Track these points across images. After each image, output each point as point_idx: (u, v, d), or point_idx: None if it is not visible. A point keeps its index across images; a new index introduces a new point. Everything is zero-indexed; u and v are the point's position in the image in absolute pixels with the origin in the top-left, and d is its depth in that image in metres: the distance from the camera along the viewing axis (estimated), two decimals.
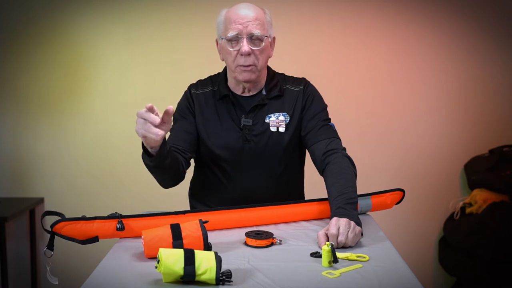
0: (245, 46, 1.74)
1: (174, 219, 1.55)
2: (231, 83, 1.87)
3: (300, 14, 3.19)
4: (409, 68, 3.25)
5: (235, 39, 1.75)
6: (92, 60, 3.17)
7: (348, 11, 3.19)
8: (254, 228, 1.63)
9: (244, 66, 1.76)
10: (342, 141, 1.85)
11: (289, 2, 3.16)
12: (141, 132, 1.48)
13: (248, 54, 1.74)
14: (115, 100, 3.19)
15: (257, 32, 1.74)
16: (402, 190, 1.86)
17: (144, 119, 1.47)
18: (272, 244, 1.51)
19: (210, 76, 1.94)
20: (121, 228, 1.51)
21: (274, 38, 1.86)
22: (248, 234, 1.52)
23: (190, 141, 1.83)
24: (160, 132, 1.48)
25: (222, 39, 1.79)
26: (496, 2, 3.22)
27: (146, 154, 1.61)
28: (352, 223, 1.50)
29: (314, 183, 2.05)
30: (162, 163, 1.63)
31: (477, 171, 3.13)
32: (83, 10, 3.15)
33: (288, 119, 1.84)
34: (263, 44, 1.76)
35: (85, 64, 3.17)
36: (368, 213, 1.83)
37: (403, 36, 3.22)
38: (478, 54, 3.24)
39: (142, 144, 1.58)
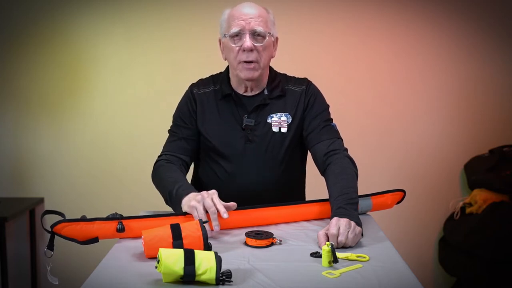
0: (247, 41, 1.74)
1: (174, 220, 1.55)
2: (233, 83, 1.87)
3: (300, 14, 3.19)
4: (409, 68, 3.25)
5: (238, 35, 1.76)
6: (92, 60, 3.17)
7: (348, 11, 3.19)
8: (254, 228, 1.63)
9: (246, 62, 1.77)
10: (343, 141, 1.85)
11: (289, 2, 3.16)
12: (197, 218, 1.53)
13: (251, 50, 1.75)
14: (115, 100, 3.19)
15: (259, 28, 1.75)
16: (403, 191, 1.86)
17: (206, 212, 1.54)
18: (272, 244, 1.51)
19: (212, 75, 1.94)
20: (121, 229, 1.51)
21: (277, 38, 1.86)
22: (248, 234, 1.52)
23: (190, 148, 1.86)
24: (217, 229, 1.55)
25: (225, 36, 1.80)
26: (496, 2, 3.22)
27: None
28: (353, 223, 1.50)
29: (315, 183, 2.05)
30: None
31: (477, 171, 3.13)
32: (83, 10, 3.15)
33: (290, 119, 1.85)
34: (266, 40, 1.77)
35: (85, 64, 3.17)
36: (368, 213, 1.83)
37: (403, 36, 3.22)
38: (478, 54, 3.24)
39: (178, 204, 1.63)
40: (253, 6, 1.79)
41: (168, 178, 1.73)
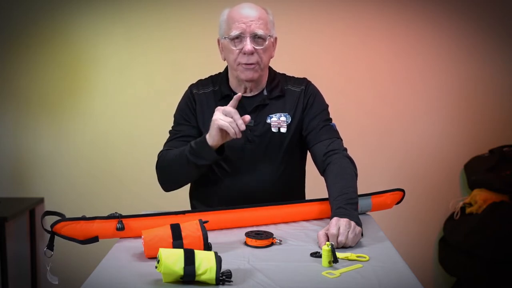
0: (248, 45, 1.74)
1: (174, 219, 1.55)
2: (232, 83, 1.87)
3: (300, 14, 3.19)
4: (409, 68, 3.25)
5: (238, 38, 1.76)
6: (92, 60, 3.17)
7: (348, 11, 3.19)
8: (254, 228, 1.63)
9: (246, 64, 1.76)
10: (343, 141, 1.85)
11: (289, 2, 3.16)
12: (226, 125, 1.59)
13: (251, 53, 1.75)
14: (115, 100, 3.19)
15: (260, 31, 1.75)
16: (402, 190, 1.87)
17: (232, 117, 1.59)
18: (272, 244, 1.51)
19: (211, 76, 1.94)
20: (121, 228, 1.51)
21: (276, 38, 1.86)
22: (248, 234, 1.52)
23: None
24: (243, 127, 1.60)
25: (224, 38, 1.79)
26: (496, 2, 3.22)
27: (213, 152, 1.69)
28: (353, 223, 1.50)
29: (315, 183, 2.05)
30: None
31: (477, 171, 3.13)
32: (83, 10, 3.15)
33: (290, 119, 1.85)
34: (266, 43, 1.77)
35: (85, 64, 3.17)
36: (368, 213, 1.83)
37: (403, 36, 3.22)
38: (478, 54, 3.24)
39: (203, 145, 1.66)
40: (253, 7, 1.78)
41: (177, 150, 1.75)
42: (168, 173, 1.78)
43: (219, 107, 1.63)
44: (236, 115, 1.59)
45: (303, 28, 3.19)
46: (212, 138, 1.64)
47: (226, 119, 1.59)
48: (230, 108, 1.61)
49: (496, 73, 3.25)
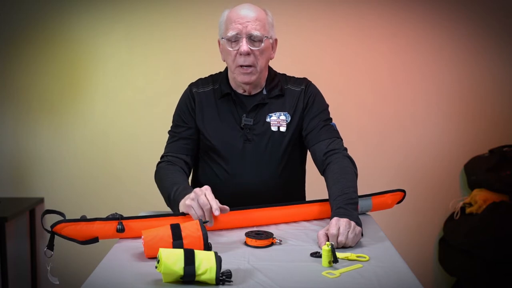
0: (244, 46, 1.74)
1: (174, 220, 1.55)
2: (232, 82, 1.87)
3: (300, 14, 3.19)
4: (409, 68, 3.25)
5: (235, 39, 1.76)
6: (92, 60, 3.17)
7: (348, 11, 3.19)
8: (254, 228, 1.63)
9: (243, 67, 1.76)
10: (343, 141, 1.85)
11: (289, 2, 3.16)
12: (194, 216, 1.54)
13: (248, 54, 1.75)
14: (115, 100, 3.20)
15: (256, 32, 1.74)
16: (403, 191, 1.86)
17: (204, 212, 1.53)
18: (272, 244, 1.51)
19: (211, 75, 1.94)
20: (121, 230, 1.51)
21: (276, 40, 1.86)
22: (248, 234, 1.52)
23: (191, 148, 1.87)
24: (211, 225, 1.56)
25: (222, 38, 1.79)
26: (496, 2, 3.22)
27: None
28: (353, 223, 1.50)
29: (315, 183, 2.05)
30: None
31: (477, 171, 3.13)
32: (83, 10, 3.15)
33: (289, 118, 1.84)
34: (263, 44, 1.76)
35: (85, 64, 3.17)
36: (368, 213, 1.84)
37: (403, 36, 3.22)
38: (478, 54, 3.24)
39: (176, 205, 1.64)
40: (251, 8, 1.77)
41: (167, 179, 1.74)
42: (160, 191, 1.79)
43: (197, 191, 1.54)
44: (208, 212, 1.51)
45: (303, 28, 3.19)
46: (181, 209, 1.61)
47: (198, 211, 1.52)
48: (206, 200, 1.51)
49: (496, 73, 3.25)
